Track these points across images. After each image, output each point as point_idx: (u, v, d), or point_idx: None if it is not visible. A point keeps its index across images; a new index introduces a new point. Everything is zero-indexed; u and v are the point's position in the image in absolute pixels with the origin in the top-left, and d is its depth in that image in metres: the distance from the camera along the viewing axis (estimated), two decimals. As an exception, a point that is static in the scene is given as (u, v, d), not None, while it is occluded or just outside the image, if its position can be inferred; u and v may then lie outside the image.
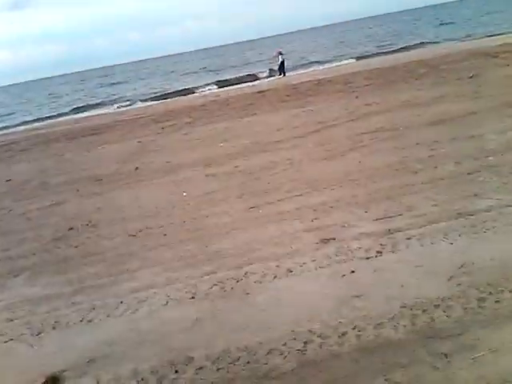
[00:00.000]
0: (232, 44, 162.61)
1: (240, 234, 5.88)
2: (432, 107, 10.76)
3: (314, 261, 4.81)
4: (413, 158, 7.43)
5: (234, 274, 4.85)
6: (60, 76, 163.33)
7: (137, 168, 10.25)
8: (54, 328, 4.61)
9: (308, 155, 8.83)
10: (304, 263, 4.81)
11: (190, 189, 8.05)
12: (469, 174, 6.42)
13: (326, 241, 5.15)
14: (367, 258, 4.67)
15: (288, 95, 17.28)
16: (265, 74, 32.78)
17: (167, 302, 4.62)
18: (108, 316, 4.63)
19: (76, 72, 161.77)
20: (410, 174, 6.80)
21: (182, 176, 8.99)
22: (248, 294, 4.47)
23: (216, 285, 4.74)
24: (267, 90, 19.81)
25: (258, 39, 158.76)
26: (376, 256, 4.68)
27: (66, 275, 5.70)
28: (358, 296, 4.05)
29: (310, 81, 20.27)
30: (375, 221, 5.48)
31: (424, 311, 3.71)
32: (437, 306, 3.74)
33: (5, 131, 26.01)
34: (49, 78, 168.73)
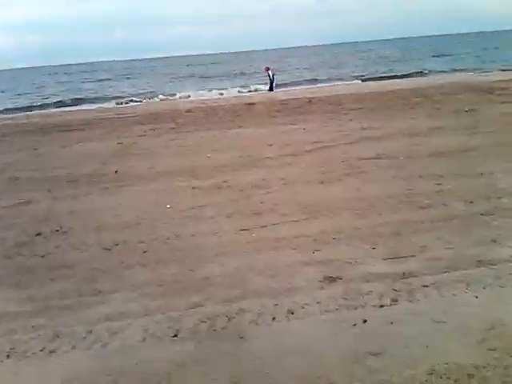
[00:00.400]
0: (225, 53, 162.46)
1: (230, 260, 5.22)
2: (430, 138, 10.35)
3: (318, 303, 4.17)
4: (418, 191, 6.90)
5: (226, 310, 4.19)
6: (44, 67, 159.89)
7: (116, 171, 9.51)
8: (8, 357, 3.85)
9: (302, 176, 8.24)
10: (306, 304, 4.18)
11: (174, 201, 7.36)
12: (482, 215, 5.92)
13: (331, 279, 4.54)
14: (381, 306, 4.06)
15: (277, 110, 16.75)
16: (255, 87, 32.27)
17: (144, 339, 3.92)
18: (73, 347, 3.90)
19: (61, 65, 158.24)
20: (416, 209, 6.27)
21: (166, 185, 8.29)
22: (242, 337, 3.81)
23: (204, 321, 4.07)
24: (256, 103, 19.24)
25: (251, 51, 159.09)
26: (391, 305, 4.08)
27: (28, 290, 4.93)
28: (374, 354, 3.42)
29: (299, 98, 19.79)
30: (385, 260, 4.89)
31: (456, 381, 3.12)
32: (471, 376, 3.14)
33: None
34: (35, 67, 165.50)
